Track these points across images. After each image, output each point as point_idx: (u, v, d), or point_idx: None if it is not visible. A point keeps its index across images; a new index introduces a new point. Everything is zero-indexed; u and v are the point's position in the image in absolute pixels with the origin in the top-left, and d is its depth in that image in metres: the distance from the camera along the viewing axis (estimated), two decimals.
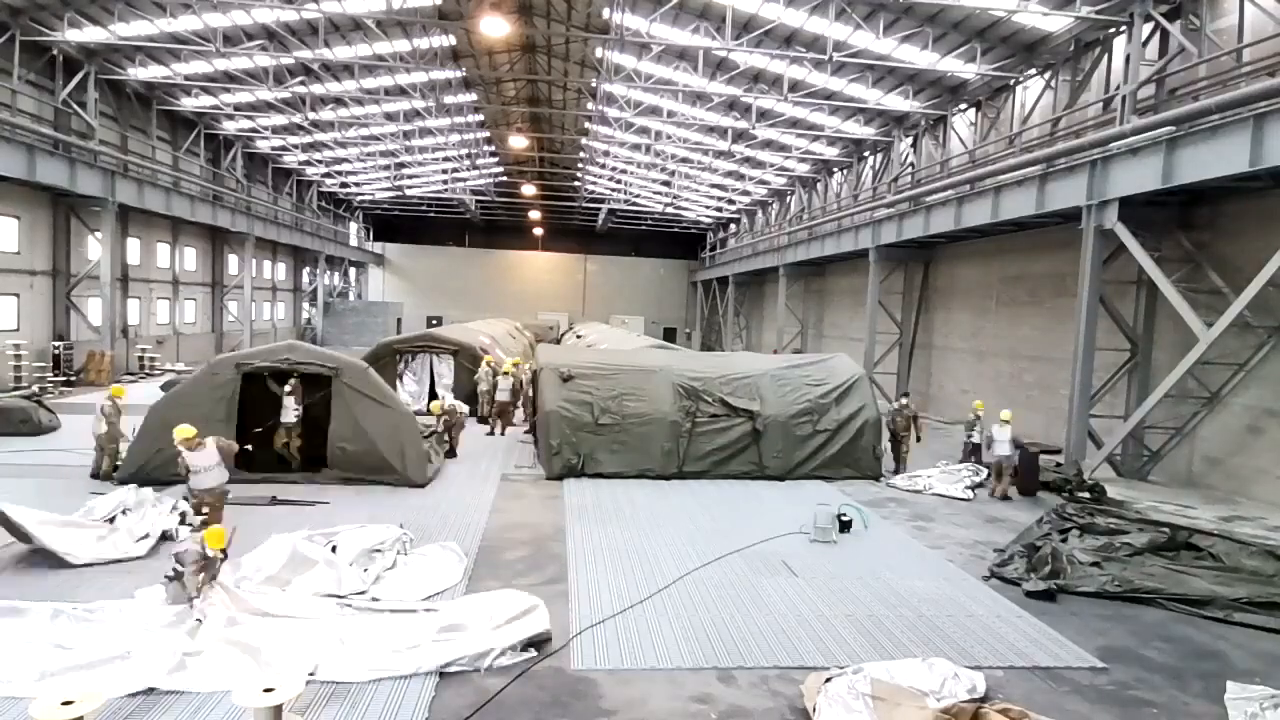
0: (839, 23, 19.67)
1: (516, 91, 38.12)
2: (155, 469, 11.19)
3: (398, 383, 19.37)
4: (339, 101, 32.52)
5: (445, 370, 20.09)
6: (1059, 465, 14.51)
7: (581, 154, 42.45)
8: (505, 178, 52.69)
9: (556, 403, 13.20)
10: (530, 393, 16.29)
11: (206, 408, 11.40)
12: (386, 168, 45.41)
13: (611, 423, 13.26)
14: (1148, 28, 14.99)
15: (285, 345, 12.67)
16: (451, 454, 14.25)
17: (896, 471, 14.56)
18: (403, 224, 59.22)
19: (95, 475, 11.65)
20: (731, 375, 14.30)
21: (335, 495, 11.21)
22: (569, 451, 13.05)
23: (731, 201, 46.83)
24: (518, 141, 37.75)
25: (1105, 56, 17.45)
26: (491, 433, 17.02)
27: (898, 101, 24.16)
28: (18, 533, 8.25)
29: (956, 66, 20.70)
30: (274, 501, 10.62)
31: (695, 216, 53.81)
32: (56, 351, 23.38)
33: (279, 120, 33.70)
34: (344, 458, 11.80)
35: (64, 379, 22.82)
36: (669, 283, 62.02)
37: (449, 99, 33.36)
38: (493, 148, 45.27)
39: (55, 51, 22.75)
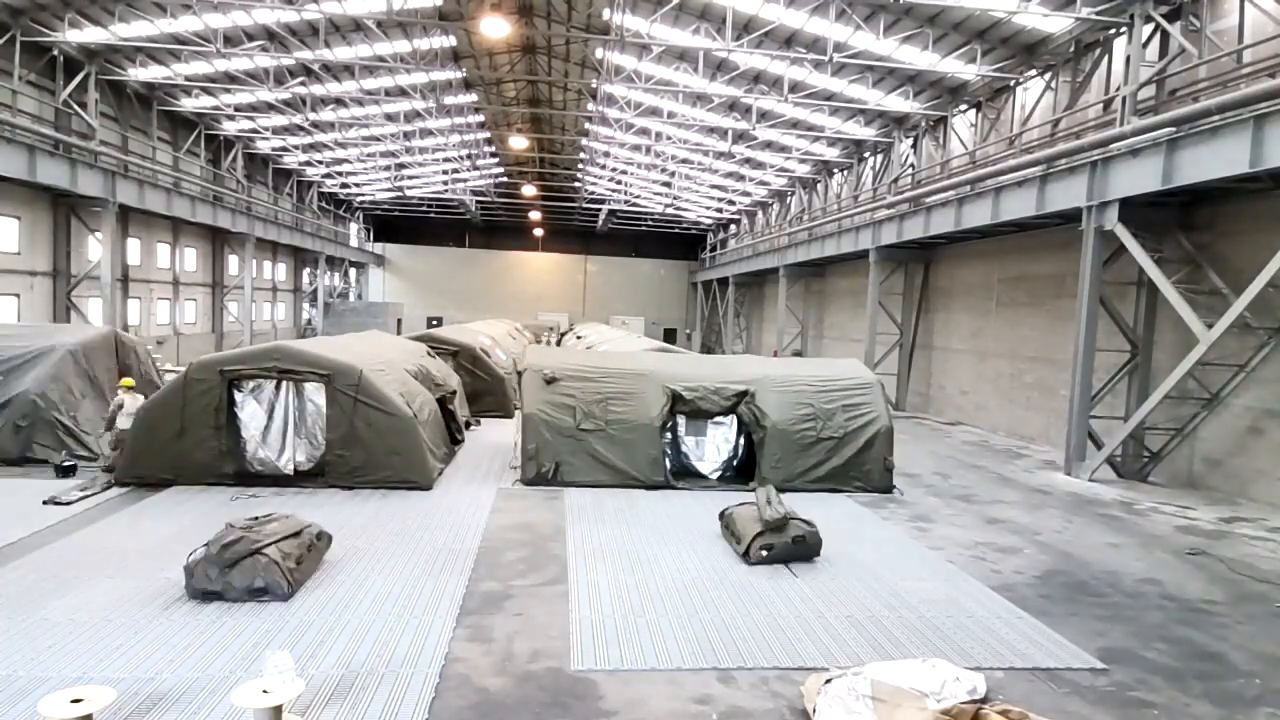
0: (839, 24, 19.70)
1: (517, 92, 38.15)
2: (148, 472, 11.26)
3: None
4: (339, 102, 32.55)
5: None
6: None
7: (581, 155, 42.46)
8: (505, 178, 52.70)
9: (537, 405, 12.73)
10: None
11: (193, 416, 11.27)
12: (387, 168, 45.44)
13: (594, 428, 12.64)
14: (1148, 29, 14.99)
15: (271, 347, 11.94)
16: None
17: None
18: (403, 225, 59.26)
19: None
20: (729, 379, 13.53)
21: (337, 502, 11.21)
22: (545, 457, 12.52)
23: (732, 202, 46.85)
24: (518, 142, 37.78)
25: (1105, 58, 17.46)
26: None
27: (898, 102, 24.17)
28: None
29: (957, 67, 20.71)
30: None
31: (695, 217, 53.83)
32: None
33: (279, 121, 33.73)
34: (341, 465, 11.64)
35: None
36: (669, 283, 62.06)
37: (449, 100, 33.38)
38: (493, 148, 45.29)
39: (56, 52, 22.77)
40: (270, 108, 31.59)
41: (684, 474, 13.47)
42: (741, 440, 13.82)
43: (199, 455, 11.35)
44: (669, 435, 13.57)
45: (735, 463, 13.85)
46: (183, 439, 11.31)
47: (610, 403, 12.89)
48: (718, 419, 13.70)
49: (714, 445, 13.85)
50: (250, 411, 11.80)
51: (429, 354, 16.68)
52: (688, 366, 14.31)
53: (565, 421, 12.69)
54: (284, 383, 11.80)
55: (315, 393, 11.86)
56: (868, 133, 27.36)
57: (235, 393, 11.66)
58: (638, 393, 13.09)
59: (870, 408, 13.42)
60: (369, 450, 11.66)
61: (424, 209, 55.88)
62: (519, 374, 13.74)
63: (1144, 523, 12.03)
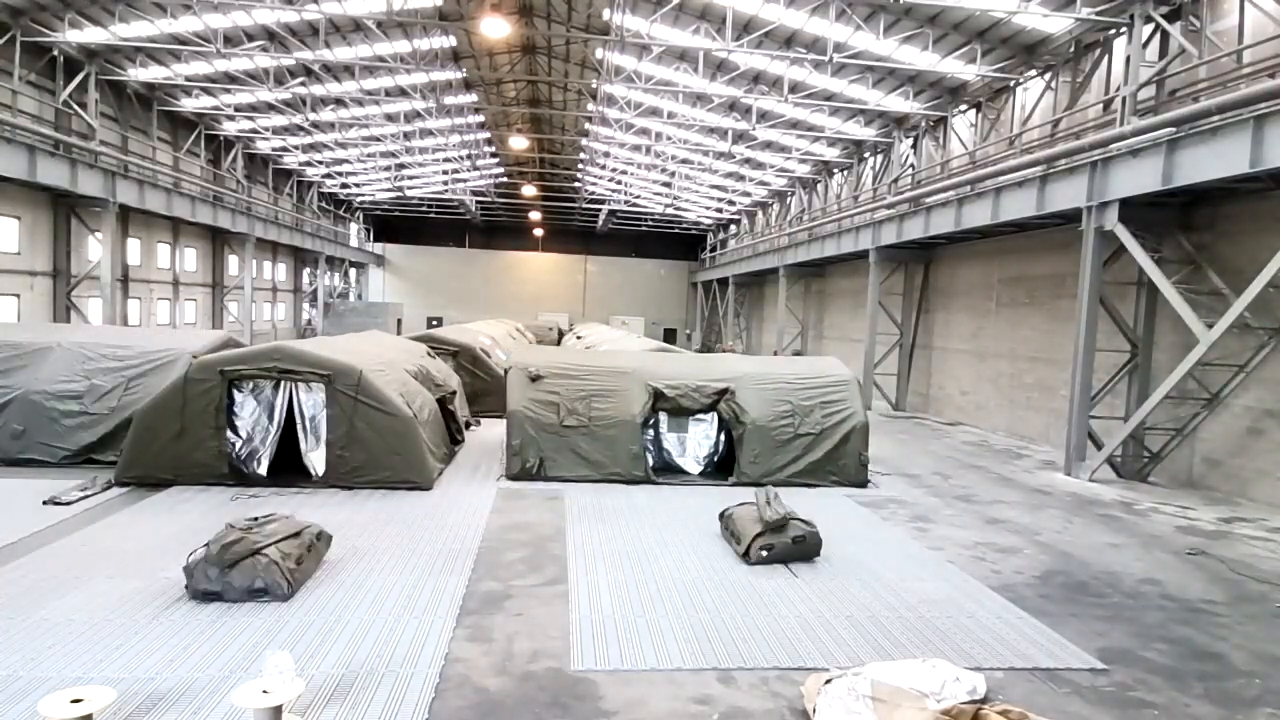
0: (839, 24, 19.70)
1: (517, 92, 38.16)
2: (148, 472, 11.23)
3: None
4: (339, 102, 32.55)
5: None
6: None
7: (582, 155, 42.47)
8: (505, 179, 52.71)
9: (521, 402, 12.94)
10: None
11: (192, 416, 11.22)
12: (387, 169, 45.44)
13: (577, 424, 12.89)
14: (1148, 29, 14.99)
15: (271, 348, 11.89)
16: None
17: None
18: (403, 225, 59.26)
19: None
20: (709, 377, 13.75)
21: (337, 502, 11.22)
22: (530, 452, 12.73)
23: (732, 202, 46.86)
24: (518, 142, 37.79)
25: (1105, 58, 17.47)
26: None
27: (898, 103, 24.17)
28: None
29: (957, 68, 20.72)
30: None
31: (695, 217, 53.83)
32: None
33: (279, 121, 33.74)
34: (342, 465, 11.60)
35: None
36: (669, 283, 62.06)
37: (449, 100, 33.38)
38: (493, 149, 45.30)
39: (56, 52, 22.78)
40: (270, 108, 31.59)
41: (666, 469, 13.65)
42: (721, 437, 14.05)
43: (199, 455, 11.32)
44: (651, 432, 13.78)
45: (715, 458, 14.05)
46: (182, 439, 11.28)
47: (593, 400, 13.12)
48: (698, 416, 13.90)
49: (695, 441, 14.07)
50: (250, 412, 11.78)
51: (429, 354, 16.68)
52: (670, 365, 14.53)
53: (549, 418, 12.91)
54: (283, 383, 11.78)
55: (316, 393, 11.84)
56: (868, 133, 27.37)
57: (235, 393, 11.63)
58: (620, 390, 13.33)
59: (846, 404, 13.67)
60: (369, 450, 11.65)
61: (424, 209, 55.87)
62: (505, 372, 13.87)
63: (1144, 523, 12.03)
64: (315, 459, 11.89)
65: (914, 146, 25.81)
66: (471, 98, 35.28)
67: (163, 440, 11.30)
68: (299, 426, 11.92)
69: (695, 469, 13.83)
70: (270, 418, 11.84)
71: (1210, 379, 14.45)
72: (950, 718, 5.39)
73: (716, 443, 14.09)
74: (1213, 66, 14.45)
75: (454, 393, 16.04)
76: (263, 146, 38.07)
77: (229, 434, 11.60)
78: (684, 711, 5.79)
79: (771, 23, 21.13)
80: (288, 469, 11.92)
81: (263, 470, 11.79)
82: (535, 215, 56.61)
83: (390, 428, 11.72)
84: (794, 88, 24.53)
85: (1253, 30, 14.07)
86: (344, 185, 49.81)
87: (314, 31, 24.06)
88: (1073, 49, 18.37)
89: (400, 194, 51.92)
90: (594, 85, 30.38)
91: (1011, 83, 20.76)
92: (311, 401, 11.90)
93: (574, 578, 8.41)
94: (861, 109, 25.03)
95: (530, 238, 60.56)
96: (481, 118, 38.62)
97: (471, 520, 10.42)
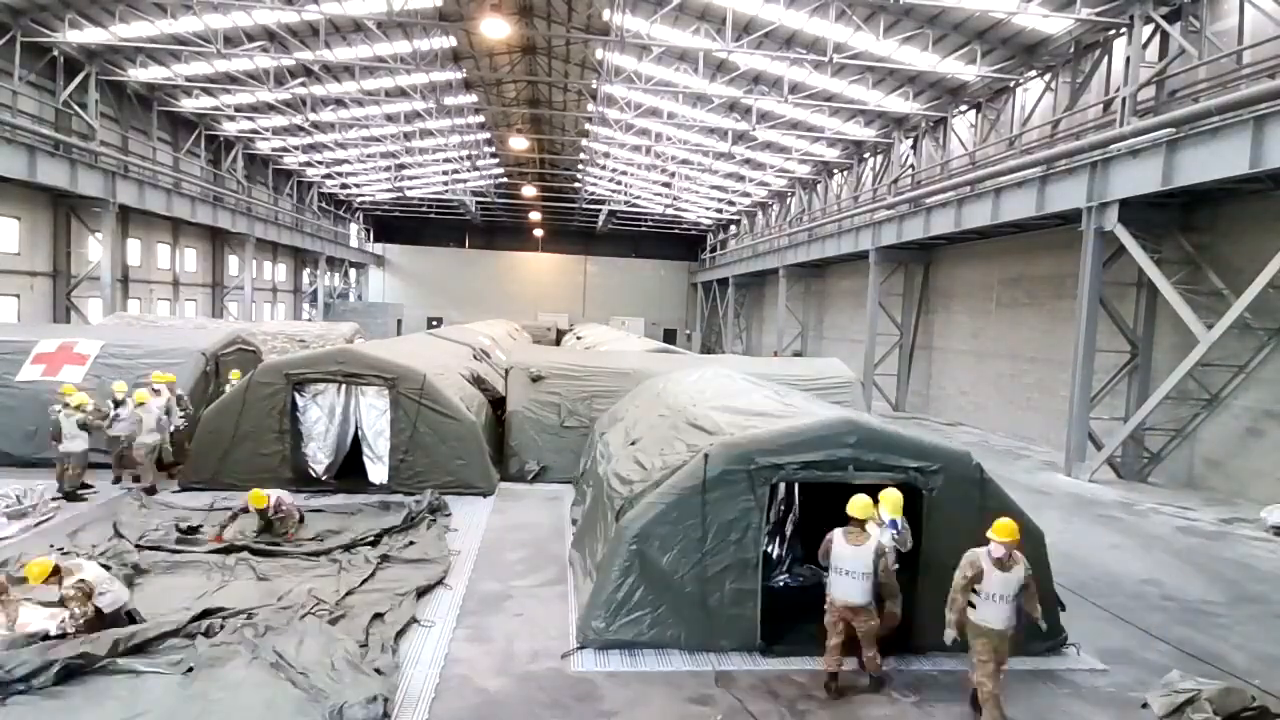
0: (839, 24, 19.72)
1: (517, 93, 38.16)
2: (218, 476, 11.13)
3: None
4: (339, 103, 32.55)
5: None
6: None
7: (582, 155, 42.47)
8: (505, 179, 52.69)
9: (522, 403, 12.95)
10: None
11: (256, 419, 11.14)
12: (387, 169, 45.42)
13: (578, 425, 12.83)
14: (1148, 30, 15.00)
15: (336, 350, 11.93)
16: None
17: None
18: (403, 225, 59.25)
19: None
20: None
21: (336, 503, 11.20)
22: (529, 453, 12.68)
23: (732, 203, 46.86)
24: (518, 143, 37.73)
25: (1105, 58, 17.48)
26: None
27: (898, 103, 24.18)
28: None
29: (957, 68, 20.72)
30: None
31: (695, 218, 53.82)
32: None
33: (279, 121, 33.73)
34: (405, 469, 11.44)
35: None
36: (669, 284, 62.01)
37: (449, 100, 33.39)
38: (493, 149, 45.28)
39: (56, 52, 22.77)
40: (270, 108, 31.59)
41: None
42: None
43: (263, 461, 11.19)
44: None
45: None
46: (246, 444, 11.13)
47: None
48: None
49: None
50: (313, 416, 11.68)
51: (474, 356, 16.53)
52: (670, 366, 14.40)
53: (550, 419, 12.91)
54: (347, 388, 11.68)
55: (379, 397, 11.69)
56: (868, 133, 27.36)
57: (297, 397, 11.53)
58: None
59: (849, 406, 13.47)
60: (432, 455, 11.48)
61: (424, 209, 55.84)
62: (506, 372, 13.84)
63: (1144, 523, 12.03)
64: (378, 465, 11.71)
65: (914, 147, 25.82)
66: (471, 98, 35.27)
67: (226, 444, 11.16)
68: (361, 432, 11.79)
69: None
70: (333, 422, 11.69)
71: (1210, 379, 14.45)
72: None
73: None
74: (1213, 67, 14.45)
75: (504, 396, 15.97)
76: (263, 147, 38.05)
77: (300, 440, 11.47)
78: (683, 712, 5.78)
79: (771, 23, 21.12)
80: (350, 474, 11.81)
81: (327, 475, 11.65)
82: (535, 215, 56.58)
83: (454, 432, 11.53)
84: (794, 88, 24.52)
85: (1253, 30, 14.08)
86: (344, 185, 49.78)
87: (314, 32, 24.04)
88: (1073, 49, 18.37)
89: (400, 194, 51.91)
90: (594, 85, 30.35)
91: (1011, 83, 20.77)
92: (373, 406, 11.72)
93: (574, 578, 8.40)
94: (861, 109, 25.03)
95: (530, 238, 60.53)
96: (481, 118, 38.61)
97: (472, 520, 10.40)
